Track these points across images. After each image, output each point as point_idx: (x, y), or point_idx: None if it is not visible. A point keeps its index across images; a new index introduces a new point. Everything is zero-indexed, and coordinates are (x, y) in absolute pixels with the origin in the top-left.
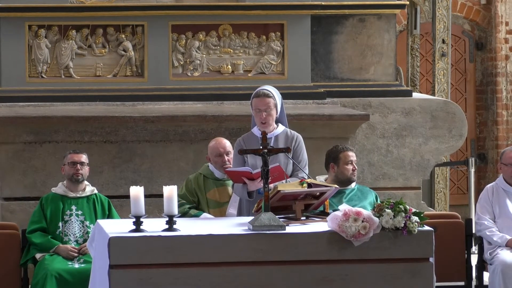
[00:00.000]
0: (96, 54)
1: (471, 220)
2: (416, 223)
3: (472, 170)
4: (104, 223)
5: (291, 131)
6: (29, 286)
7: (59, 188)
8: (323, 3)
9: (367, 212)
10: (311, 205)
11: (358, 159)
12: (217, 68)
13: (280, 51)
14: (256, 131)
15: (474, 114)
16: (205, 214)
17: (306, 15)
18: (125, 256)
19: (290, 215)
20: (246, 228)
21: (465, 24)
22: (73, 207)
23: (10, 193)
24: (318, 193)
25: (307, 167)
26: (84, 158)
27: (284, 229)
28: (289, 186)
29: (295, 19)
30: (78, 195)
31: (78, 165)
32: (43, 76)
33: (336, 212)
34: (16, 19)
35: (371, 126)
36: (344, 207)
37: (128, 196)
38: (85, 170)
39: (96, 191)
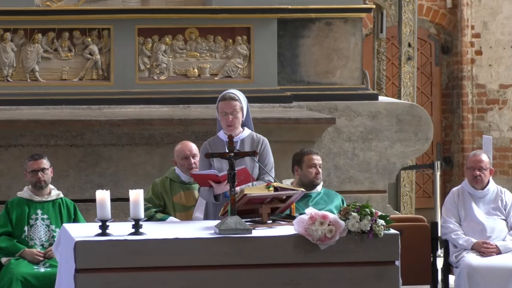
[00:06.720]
0: (62, 57)
1: (436, 223)
2: (382, 227)
3: (438, 174)
4: (70, 227)
5: (257, 134)
6: None
7: (25, 192)
8: (289, 6)
9: (333, 216)
10: (277, 208)
11: (324, 162)
12: (183, 72)
13: (246, 54)
14: (222, 135)
15: (440, 117)
16: (171, 218)
17: (273, 18)
18: (91, 260)
19: (257, 219)
20: (213, 232)
21: (431, 27)
22: (39, 211)
23: None
24: (284, 197)
25: (273, 170)
26: (44, 163)
27: (251, 233)
28: (255, 189)
29: (262, 22)
30: (43, 199)
31: (39, 172)
32: (9, 79)
33: (302, 216)
34: None
35: (337, 129)
36: (310, 210)
37: (94, 200)
38: (48, 175)
39: (61, 195)
